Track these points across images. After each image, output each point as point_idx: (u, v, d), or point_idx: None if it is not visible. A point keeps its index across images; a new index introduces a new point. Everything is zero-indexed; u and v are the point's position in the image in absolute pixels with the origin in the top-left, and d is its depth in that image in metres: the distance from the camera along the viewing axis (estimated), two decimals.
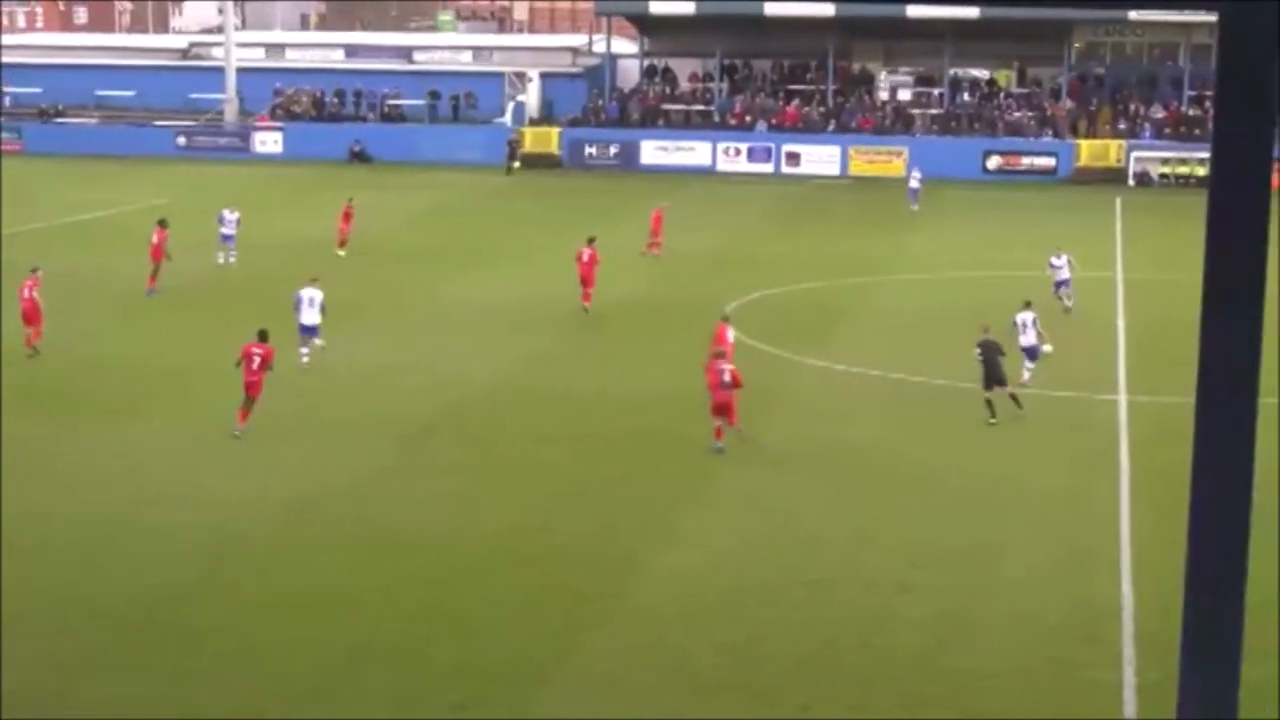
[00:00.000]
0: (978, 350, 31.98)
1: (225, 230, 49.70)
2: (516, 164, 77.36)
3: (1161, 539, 23.14)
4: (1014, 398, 31.87)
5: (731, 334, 33.98)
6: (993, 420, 31.46)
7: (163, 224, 45.49)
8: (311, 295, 36.06)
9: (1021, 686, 19.60)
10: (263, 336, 30.76)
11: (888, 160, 74.91)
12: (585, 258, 42.61)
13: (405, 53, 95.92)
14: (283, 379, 32.23)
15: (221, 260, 49.30)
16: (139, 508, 26.06)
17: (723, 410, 29.36)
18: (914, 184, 65.74)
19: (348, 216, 52.53)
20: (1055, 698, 19.31)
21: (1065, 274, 42.57)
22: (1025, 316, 34.60)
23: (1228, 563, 4.23)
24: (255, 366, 30.15)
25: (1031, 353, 34.38)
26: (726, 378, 29.48)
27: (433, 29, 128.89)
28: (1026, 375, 34.21)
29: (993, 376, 31.78)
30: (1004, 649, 20.71)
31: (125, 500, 26.52)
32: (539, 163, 78.00)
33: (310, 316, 35.78)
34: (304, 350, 35.50)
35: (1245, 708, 4.37)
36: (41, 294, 37.19)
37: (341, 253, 51.11)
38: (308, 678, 19.55)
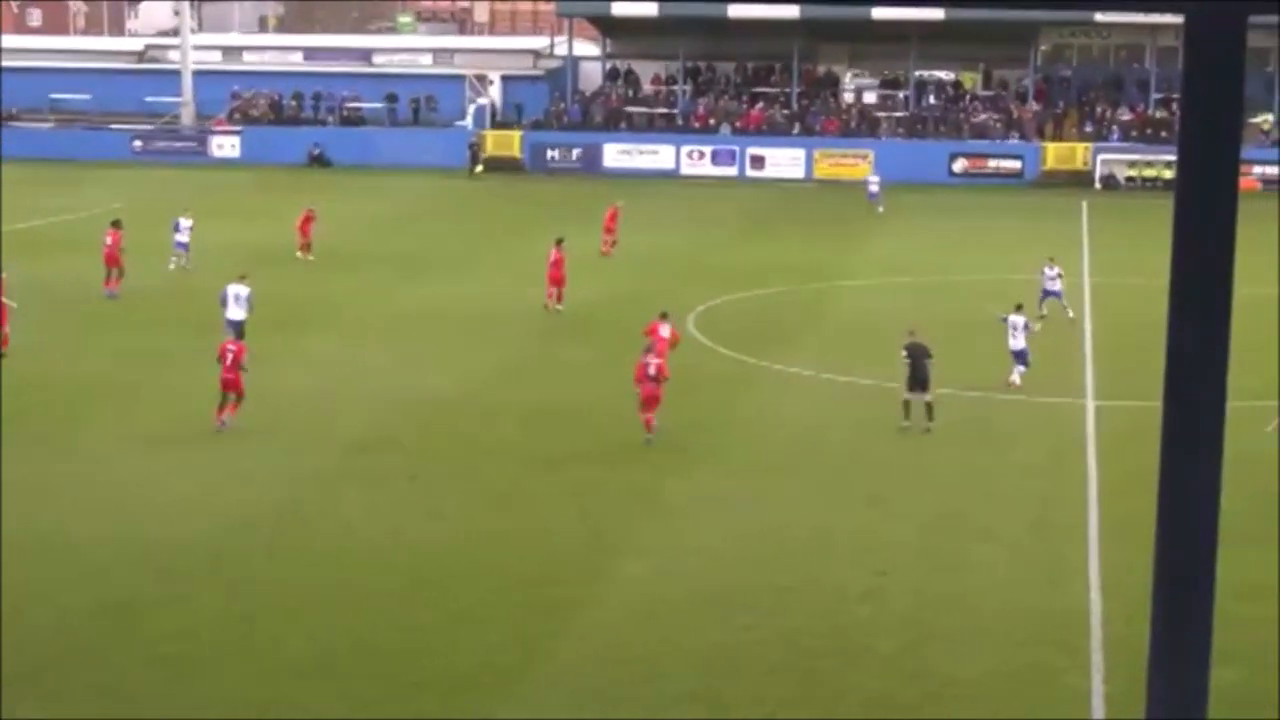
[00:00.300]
0: (904, 352, 31.73)
1: (179, 237, 49.22)
2: (480, 168, 76.48)
3: (1130, 544, 23.06)
4: (929, 408, 31.39)
5: (666, 329, 34.08)
6: (905, 424, 31.26)
7: (116, 225, 45.43)
8: (238, 292, 36.48)
9: (990, 694, 19.53)
10: (239, 334, 31.28)
11: (853, 163, 74.36)
12: (552, 259, 42.97)
13: (365, 55, 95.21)
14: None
15: (174, 266, 48.77)
16: (89, 520, 25.67)
17: (651, 403, 30.07)
18: (873, 188, 65.72)
19: (308, 221, 52.09)
20: (1024, 705, 19.26)
21: (1057, 285, 42.15)
22: (1017, 319, 34.55)
23: (1196, 567, 4.19)
24: (229, 363, 30.47)
25: (1022, 356, 34.25)
26: (652, 371, 30.26)
27: (392, 31, 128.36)
28: (1016, 379, 34.14)
29: (916, 379, 31.46)
30: (972, 656, 20.75)
31: (79, 513, 26.08)
32: (500, 166, 77.32)
33: (236, 313, 36.14)
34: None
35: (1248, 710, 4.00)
36: (9, 297, 36.96)
37: (310, 257, 50.99)
38: (261, 690, 19.46)
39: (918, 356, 31.51)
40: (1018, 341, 34.24)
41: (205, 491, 27.16)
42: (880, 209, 64.26)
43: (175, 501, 26.61)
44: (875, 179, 66.71)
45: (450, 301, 44.75)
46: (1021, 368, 34.26)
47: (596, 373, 35.64)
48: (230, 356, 30.57)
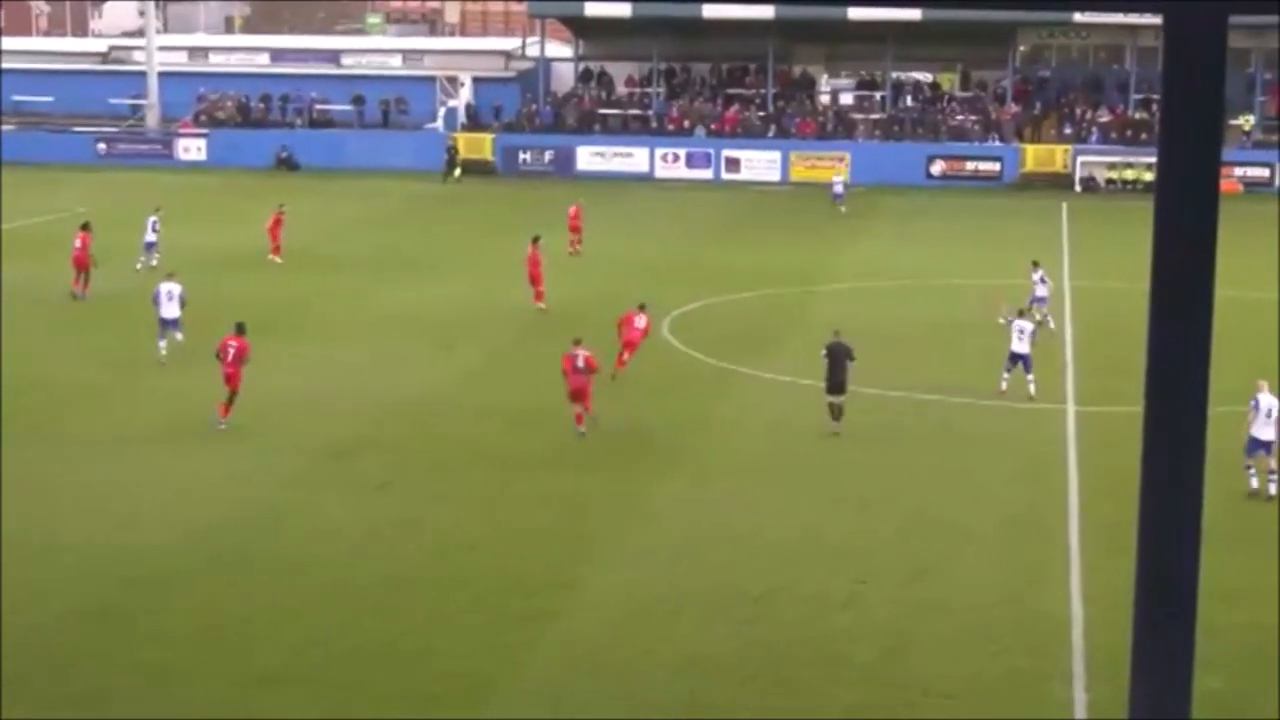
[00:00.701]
0: (823, 352, 31.58)
1: (149, 237, 49.20)
2: (458, 171, 75.24)
3: (1111, 549, 23.27)
4: (839, 410, 31.12)
5: (642, 321, 35.05)
6: (836, 426, 31.08)
7: (85, 228, 45.60)
8: (170, 289, 37.22)
9: (971, 702, 19.45)
10: (240, 330, 31.68)
11: (830, 166, 73.43)
12: (530, 257, 43.39)
13: (333, 56, 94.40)
14: (209, 394, 31.81)
15: (140, 266, 48.49)
16: (64, 525, 25.48)
17: (579, 396, 30.38)
18: (837, 188, 66.14)
19: (278, 223, 51.80)
20: (1006, 713, 19.18)
21: (1044, 291, 41.58)
22: (1025, 324, 34.32)
23: (1178, 571, 4.17)
24: (230, 359, 30.91)
25: (1025, 361, 33.87)
26: (580, 363, 30.56)
27: (361, 32, 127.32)
28: (1032, 388, 33.81)
29: (834, 381, 31.20)
30: (952, 664, 20.66)
31: (53, 518, 25.84)
32: (472, 169, 76.43)
33: (170, 310, 36.95)
34: (162, 343, 36.69)
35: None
36: None
37: (279, 259, 50.91)
38: (234, 698, 19.23)
39: (838, 357, 31.23)
40: (1022, 345, 33.78)
41: (179, 496, 27.08)
42: (843, 209, 64.38)
43: (149, 507, 26.50)
44: (839, 179, 67.31)
45: (426, 304, 44.54)
46: (1030, 375, 33.90)
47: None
48: (231, 351, 30.92)
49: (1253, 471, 27.21)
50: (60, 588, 22.77)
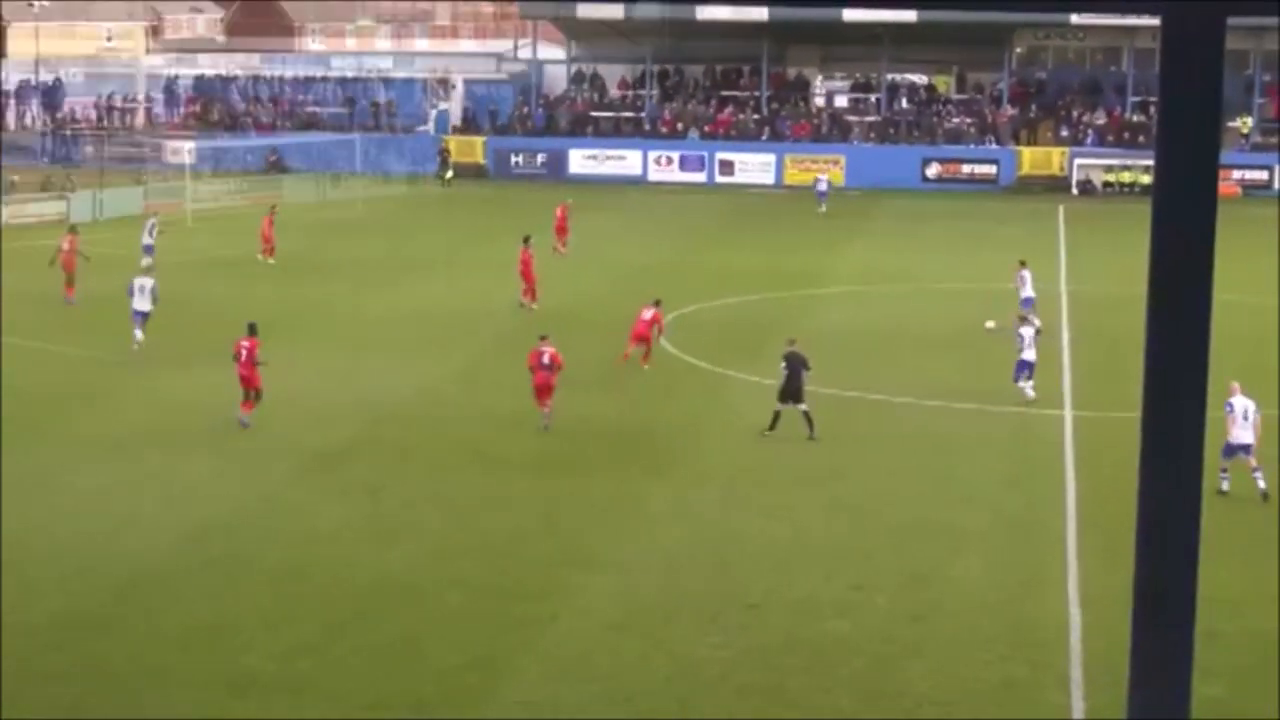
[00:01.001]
0: (783, 363, 31.34)
1: (146, 240, 49.41)
2: (450, 174, 74.82)
3: (1109, 555, 23.07)
4: (808, 418, 30.90)
5: (648, 314, 35.90)
6: (768, 432, 30.78)
7: (73, 230, 46.05)
8: (142, 283, 38.70)
9: (967, 711, 19.20)
10: (251, 331, 32.10)
11: (824, 169, 72.97)
12: (522, 258, 44.29)
13: (323, 58, 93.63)
14: (201, 397, 31.78)
15: (146, 265, 47.95)
16: (47, 531, 25.11)
17: (543, 392, 30.99)
18: (821, 187, 66.77)
19: (270, 224, 52.08)
20: None
21: (1030, 291, 41.09)
22: (1025, 330, 33.99)
23: (1177, 577, 4.16)
24: (244, 360, 31.39)
25: (1029, 368, 33.55)
26: (546, 360, 31.02)
27: (352, 34, 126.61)
28: (1031, 393, 33.49)
29: (789, 390, 30.99)
30: (948, 672, 20.30)
31: (36, 523, 25.31)
32: (464, 172, 76.16)
33: (142, 303, 38.33)
34: (138, 334, 37.85)
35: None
36: None
37: (271, 260, 51.24)
38: (219, 706, 18.98)
39: (796, 367, 31.09)
40: (1033, 352, 33.58)
41: (174, 498, 26.88)
42: (823, 208, 64.72)
43: (146, 508, 26.27)
44: (824, 179, 67.92)
45: (419, 306, 44.38)
46: (1029, 380, 33.60)
47: (566, 378, 34.51)
48: (244, 353, 31.37)
49: (1227, 474, 26.88)
50: (59, 588, 22.56)
